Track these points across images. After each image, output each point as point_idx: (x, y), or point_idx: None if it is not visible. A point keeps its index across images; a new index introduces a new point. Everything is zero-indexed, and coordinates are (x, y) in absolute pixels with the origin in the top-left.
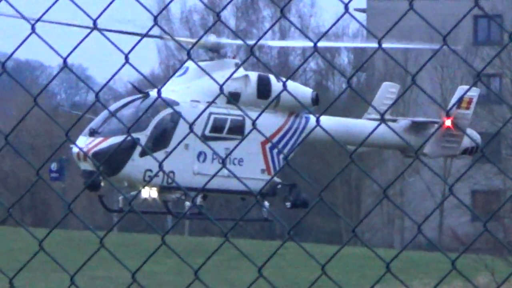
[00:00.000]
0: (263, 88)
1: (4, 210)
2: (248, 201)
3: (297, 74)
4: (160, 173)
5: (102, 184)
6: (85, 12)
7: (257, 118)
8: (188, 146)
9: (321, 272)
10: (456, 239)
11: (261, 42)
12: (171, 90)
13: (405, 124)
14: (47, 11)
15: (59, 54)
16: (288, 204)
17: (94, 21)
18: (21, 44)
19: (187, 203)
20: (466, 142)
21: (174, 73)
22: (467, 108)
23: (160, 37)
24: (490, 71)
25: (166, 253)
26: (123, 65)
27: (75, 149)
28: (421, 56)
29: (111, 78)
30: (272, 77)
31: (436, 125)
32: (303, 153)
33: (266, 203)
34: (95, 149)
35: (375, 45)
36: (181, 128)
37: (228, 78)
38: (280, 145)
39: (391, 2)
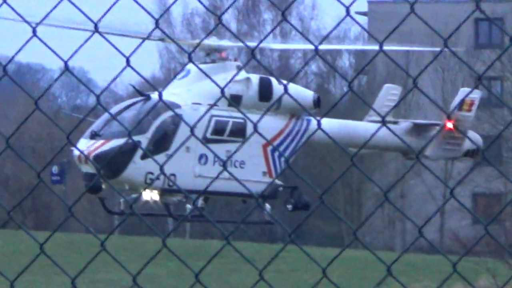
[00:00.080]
0: (265, 90)
1: (6, 213)
2: (250, 204)
3: (298, 77)
4: (161, 176)
5: (103, 186)
6: (86, 16)
7: (258, 121)
8: (190, 148)
9: (322, 275)
10: (458, 241)
11: (263, 44)
12: (173, 92)
13: (406, 126)
14: (48, 14)
15: (60, 57)
16: (289, 206)
17: (96, 24)
18: (22, 47)
19: (188, 206)
20: (467, 144)
21: (175, 76)
22: (469, 110)
23: (161, 39)
24: (491, 74)
25: (167, 256)
26: (124, 68)
27: (76, 152)
28: (422, 59)
29: (112, 81)
30: (273, 80)
31: (437, 127)
32: (304, 155)
33: (268, 206)
34: (96, 151)
35: (376, 47)
36: (183, 131)
37: (230, 81)
38: (282, 148)
39: (392, 5)
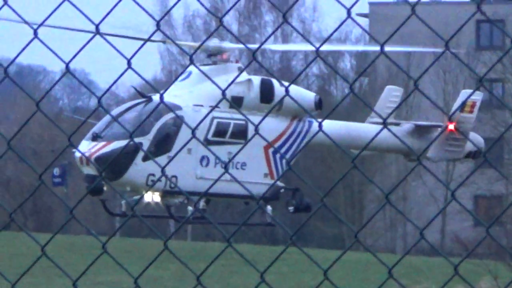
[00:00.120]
0: (266, 92)
1: (7, 215)
2: (251, 205)
3: (299, 79)
4: (163, 178)
5: (105, 188)
6: (87, 17)
7: (259, 123)
8: (191, 150)
9: (323, 277)
10: (459, 244)
11: (264, 46)
12: (174, 94)
13: (408, 128)
14: (49, 16)
15: (61, 59)
16: (291, 208)
17: (97, 26)
18: (23, 49)
19: (190, 208)
20: (469, 146)
21: (177, 78)
22: (471, 112)
23: (163, 41)
24: (493, 76)
25: (169, 258)
26: (125, 70)
27: (77, 154)
28: (424, 61)
29: (113, 83)
30: (275, 81)
31: (439, 129)
32: (306, 157)
33: (269, 208)
34: (98, 153)
35: (377, 49)
36: (184, 133)
37: (231, 83)
38: (283, 149)
39: (394, 7)
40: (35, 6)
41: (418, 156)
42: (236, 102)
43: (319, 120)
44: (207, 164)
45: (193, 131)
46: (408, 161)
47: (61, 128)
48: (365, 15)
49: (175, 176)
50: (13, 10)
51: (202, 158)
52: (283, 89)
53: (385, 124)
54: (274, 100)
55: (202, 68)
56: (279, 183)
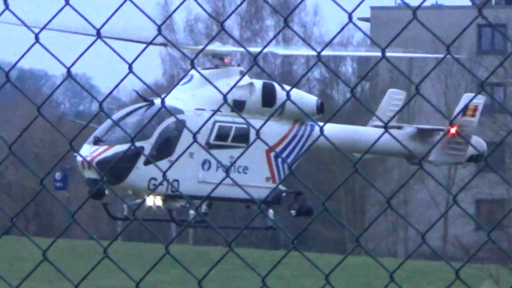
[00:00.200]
0: (268, 96)
1: (8, 219)
2: (253, 209)
3: (301, 83)
4: (165, 182)
5: (107, 192)
6: (88, 22)
7: (260, 127)
8: (193, 154)
9: (325, 281)
10: (460, 248)
11: (266, 49)
12: (176, 98)
13: (410, 132)
14: (51, 20)
15: (62, 64)
16: (293, 212)
17: (98, 31)
18: (24, 54)
19: (191, 212)
20: (472, 149)
21: (179, 81)
22: (473, 115)
23: (164, 44)
24: (494, 80)
25: (171, 262)
26: (126, 75)
27: (79, 158)
28: (426, 65)
29: (114, 88)
30: (277, 85)
31: (441, 133)
32: (308, 161)
33: (271, 211)
34: (100, 157)
35: (379, 53)
36: (186, 137)
37: (232, 88)
38: (285, 153)
39: (395, 12)
40: (36, 6)
41: (419, 160)
42: (238, 106)
43: (321, 124)
44: (209, 168)
45: (194, 135)
46: (410, 164)
47: (63, 132)
48: (366, 20)
49: (177, 180)
50: (14, 15)
51: (204, 162)
52: (285, 92)
53: (386, 128)
54: (276, 104)
55: (204, 72)
56: (281, 187)
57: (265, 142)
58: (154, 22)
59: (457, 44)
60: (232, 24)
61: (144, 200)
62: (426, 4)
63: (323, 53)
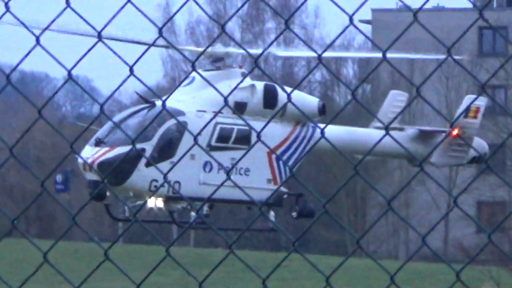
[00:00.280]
0: (270, 97)
1: (10, 221)
2: (254, 211)
3: (302, 85)
4: (166, 183)
5: (108, 193)
6: (89, 24)
7: (261, 130)
8: (194, 156)
9: (325, 283)
10: (462, 250)
11: (268, 51)
12: (177, 100)
13: (412, 133)
14: (52, 22)
15: (63, 66)
16: (294, 214)
17: (99, 33)
18: (25, 57)
19: (193, 213)
20: (473, 151)
21: (180, 83)
22: (475, 117)
23: (166, 46)
24: (495, 83)
25: (172, 264)
26: (127, 77)
27: (80, 160)
28: (427, 67)
29: (115, 90)
30: (278, 87)
31: (443, 135)
32: (309, 163)
33: (272, 213)
34: (101, 159)
35: (380, 55)
36: (187, 138)
37: (233, 89)
38: (287, 155)
39: (396, 14)
40: (36, 7)
41: (420, 162)
42: (240, 108)
43: (322, 126)
44: (210, 170)
45: (195, 137)
46: (412, 166)
47: (64, 135)
48: (367, 22)
49: (178, 182)
50: (15, 17)
51: (205, 163)
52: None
53: (387, 130)
54: (277, 106)
55: (205, 73)
56: (283, 189)
57: (266, 145)
58: (155, 25)
59: (458, 46)
60: (233, 27)
61: (145, 202)
62: (427, 6)
63: (324, 55)
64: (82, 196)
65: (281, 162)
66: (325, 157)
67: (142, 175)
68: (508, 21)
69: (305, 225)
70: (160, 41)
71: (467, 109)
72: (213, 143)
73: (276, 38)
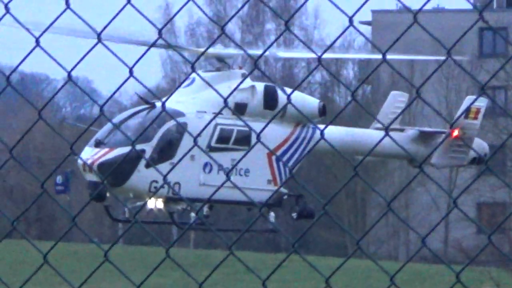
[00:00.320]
0: (270, 99)
1: (10, 222)
2: (254, 212)
3: (302, 86)
4: (166, 184)
5: (108, 194)
6: (89, 26)
7: (261, 131)
8: (194, 157)
9: (325, 284)
10: (462, 251)
11: (267, 52)
12: (177, 101)
13: (412, 134)
14: (51, 24)
15: (63, 68)
16: (294, 214)
17: (99, 35)
18: (25, 58)
19: (193, 214)
20: (474, 152)
21: (180, 84)
22: (475, 118)
23: (165, 46)
24: (496, 84)
25: (172, 266)
26: (127, 79)
27: (80, 161)
28: (427, 68)
29: (115, 91)
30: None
31: (444, 135)
32: (310, 164)
33: (272, 214)
34: (101, 160)
35: (380, 56)
36: (187, 139)
37: (233, 91)
38: (287, 156)
39: (396, 15)
40: (36, 8)
41: (420, 164)
42: (240, 109)
43: (322, 127)
44: (210, 171)
45: (195, 139)
46: (412, 167)
47: (64, 136)
48: (368, 23)
49: (178, 183)
50: (15, 19)
51: (205, 164)
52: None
53: (387, 131)
54: (278, 107)
55: (205, 74)
56: (283, 190)
57: (266, 146)
58: (155, 26)
59: (458, 47)
60: (233, 28)
61: (145, 203)
62: (427, 7)
63: (324, 56)
64: (82, 197)
65: (281, 163)
66: (325, 158)
67: (142, 176)
68: (508, 22)
69: (305, 226)
70: (160, 42)
71: (467, 110)
72: (213, 144)
73: (276, 39)
